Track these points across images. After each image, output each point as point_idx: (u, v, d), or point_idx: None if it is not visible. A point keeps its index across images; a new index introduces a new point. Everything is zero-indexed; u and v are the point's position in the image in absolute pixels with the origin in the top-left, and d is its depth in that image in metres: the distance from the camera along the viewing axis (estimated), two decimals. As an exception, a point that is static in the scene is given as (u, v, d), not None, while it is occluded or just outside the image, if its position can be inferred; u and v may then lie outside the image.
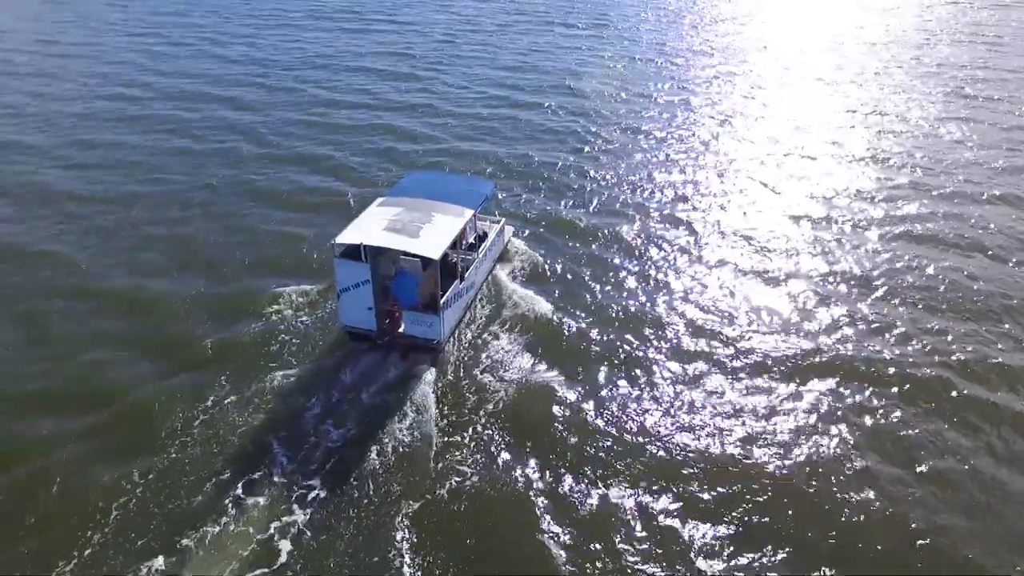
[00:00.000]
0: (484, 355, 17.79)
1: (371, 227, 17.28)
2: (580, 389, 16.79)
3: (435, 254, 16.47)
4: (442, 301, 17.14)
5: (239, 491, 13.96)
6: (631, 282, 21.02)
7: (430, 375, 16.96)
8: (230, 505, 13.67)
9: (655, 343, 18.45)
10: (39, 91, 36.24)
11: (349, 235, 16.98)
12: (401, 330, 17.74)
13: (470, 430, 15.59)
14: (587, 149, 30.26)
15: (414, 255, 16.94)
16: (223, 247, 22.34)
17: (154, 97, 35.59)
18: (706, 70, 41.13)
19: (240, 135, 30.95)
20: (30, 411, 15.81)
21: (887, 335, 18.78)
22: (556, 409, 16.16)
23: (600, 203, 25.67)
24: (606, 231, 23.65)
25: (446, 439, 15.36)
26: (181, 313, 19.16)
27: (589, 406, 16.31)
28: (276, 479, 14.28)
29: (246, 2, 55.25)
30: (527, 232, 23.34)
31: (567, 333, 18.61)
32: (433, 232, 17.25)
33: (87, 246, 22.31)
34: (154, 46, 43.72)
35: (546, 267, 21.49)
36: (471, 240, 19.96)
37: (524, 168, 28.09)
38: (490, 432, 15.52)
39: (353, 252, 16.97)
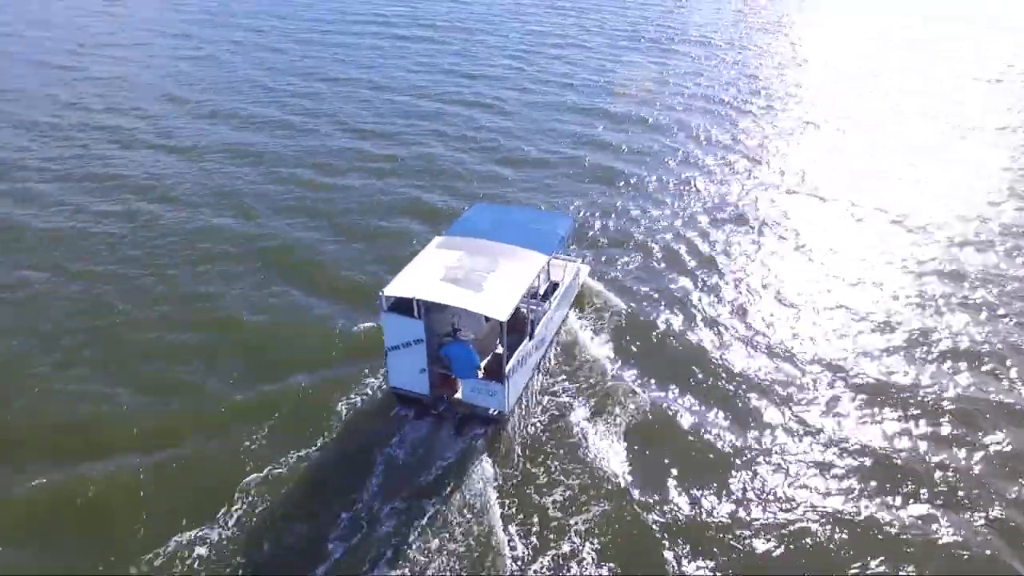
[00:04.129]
0: (554, 431, 14.99)
1: (426, 276, 14.67)
2: (660, 489, 13.74)
3: (502, 315, 13.72)
4: (507, 367, 14.40)
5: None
6: (724, 338, 17.88)
7: (489, 458, 14.25)
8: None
9: (761, 432, 15.24)
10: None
11: (399, 286, 14.41)
12: (458, 395, 15.12)
13: (536, 536, 12.79)
14: (666, 182, 27.08)
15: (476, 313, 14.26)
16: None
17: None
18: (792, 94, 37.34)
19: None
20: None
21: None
22: (636, 513, 13.22)
23: (688, 236, 22.53)
24: (700, 277, 20.55)
25: (511, 546, 12.61)
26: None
27: (676, 513, 13.26)
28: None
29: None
30: (610, 274, 20.44)
31: (651, 408, 15.57)
32: (500, 284, 14.51)
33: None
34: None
35: (627, 316, 18.50)
36: (544, 287, 17.15)
37: (602, 196, 25.14)
38: (563, 540, 12.69)
39: (404, 305, 14.40)
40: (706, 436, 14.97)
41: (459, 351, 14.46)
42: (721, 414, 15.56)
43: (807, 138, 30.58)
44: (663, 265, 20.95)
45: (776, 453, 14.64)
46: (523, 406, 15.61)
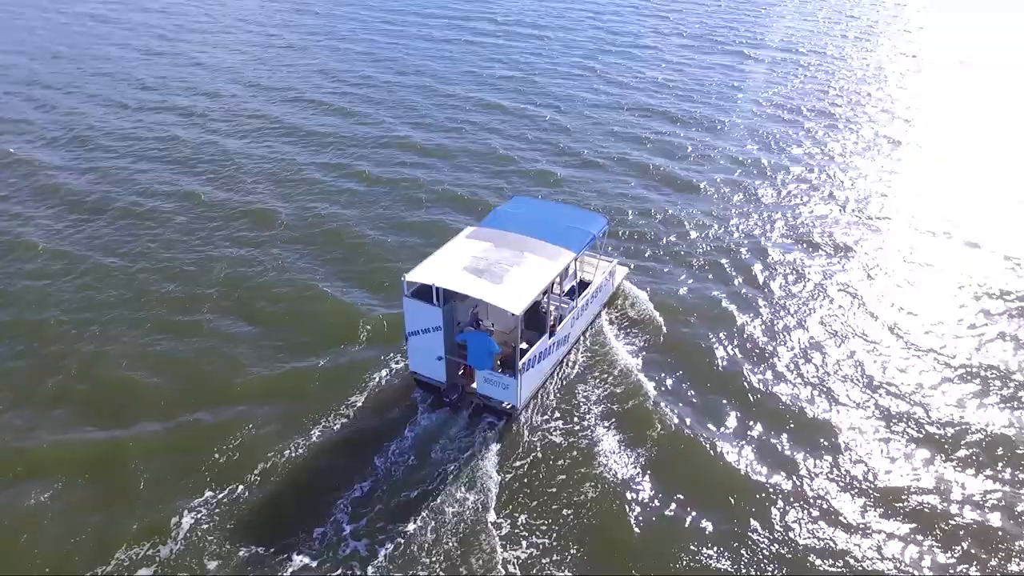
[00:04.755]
0: (566, 433, 14.80)
1: (449, 265, 14.77)
2: (663, 508, 13.27)
3: (516, 309, 13.67)
4: (521, 362, 14.32)
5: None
6: (761, 364, 16.98)
7: (496, 449, 14.22)
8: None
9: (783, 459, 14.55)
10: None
11: (421, 272, 14.57)
12: (475, 386, 15.14)
13: (531, 532, 12.69)
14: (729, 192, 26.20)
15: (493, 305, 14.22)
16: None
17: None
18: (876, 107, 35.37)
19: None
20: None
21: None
22: (630, 526, 12.88)
23: (737, 251, 21.77)
24: (743, 292, 19.78)
25: (503, 540, 12.55)
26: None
27: (673, 537, 12.74)
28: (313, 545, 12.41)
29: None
30: (653, 281, 19.95)
31: (671, 424, 15.04)
32: (520, 278, 14.44)
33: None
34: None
35: (662, 326, 17.96)
36: (571, 285, 16.94)
37: (656, 201, 24.62)
38: (554, 538, 12.55)
39: (425, 292, 14.54)
40: (726, 465, 14.14)
41: (476, 339, 14.48)
42: (748, 445, 14.63)
43: (891, 159, 28.12)
44: (709, 278, 20.21)
45: (802, 499, 13.42)
46: (538, 402, 15.49)
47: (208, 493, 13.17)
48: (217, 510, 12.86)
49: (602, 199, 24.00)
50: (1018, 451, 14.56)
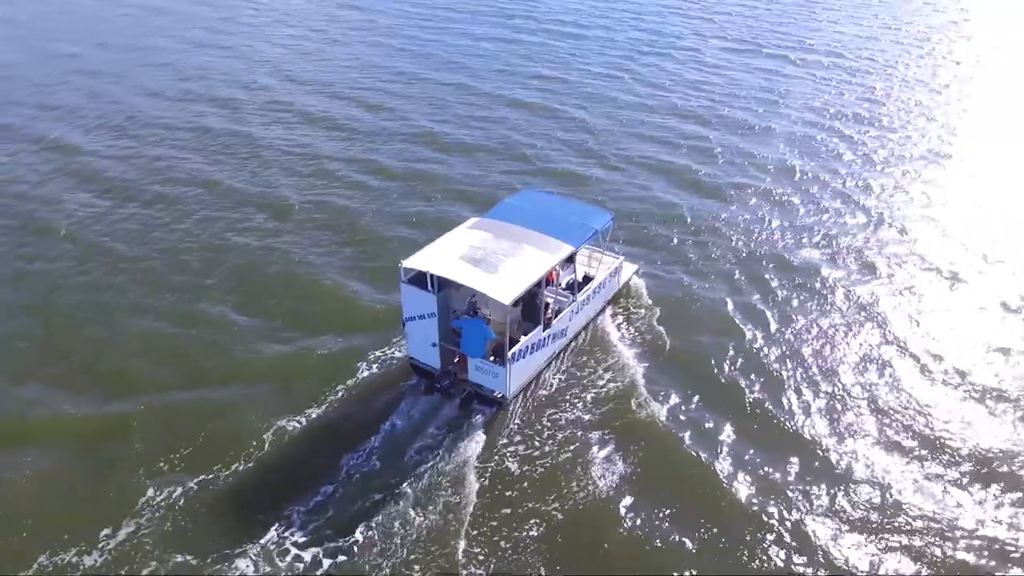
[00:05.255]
0: (553, 427, 14.81)
1: (446, 253, 14.94)
2: (650, 511, 13.06)
3: (506, 298, 13.75)
4: (511, 352, 14.40)
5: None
6: (770, 381, 16.31)
7: (480, 440, 14.33)
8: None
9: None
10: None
11: (418, 259, 14.76)
12: (468, 375, 15.29)
13: (506, 526, 12.76)
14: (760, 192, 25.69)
15: (484, 294, 14.32)
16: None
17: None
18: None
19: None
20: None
21: None
22: (602, 527, 12.79)
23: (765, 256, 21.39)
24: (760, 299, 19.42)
25: (478, 525, 12.66)
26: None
27: (646, 546, 12.44)
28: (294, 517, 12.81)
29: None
30: (665, 282, 19.67)
31: (663, 431, 14.80)
32: (515, 269, 14.52)
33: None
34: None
35: (669, 329, 17.64)
36: (574, 280, 16.92)
37: (679, 204, 24.31)
38: (528, 534, 12.60)
39: (421, 279, 14.75)
40: (717, 479, 13.77)
41: (471, 326, 14.61)
42: (742, 461, 14.17)
43: (935, 174, 26.43)
44: (723, 286, 19.63)
45: (793, 527, 12.83)
46: (530, 395, 15.54)
47: (189, 472, 13.54)
48: (196, 489, 13.20)
49: (620, 201, 23.71)
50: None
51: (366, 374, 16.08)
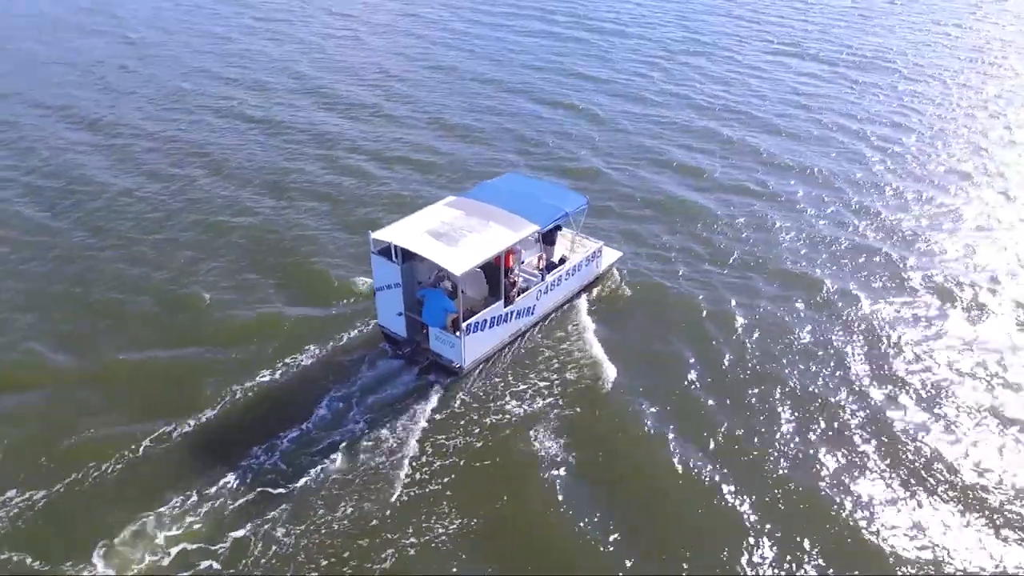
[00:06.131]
0: (505, 401, 15.25)
1: (414, 227, 15.68)
2: (580, 502, 13.11)
3: (458, 269, 14.38)
4: (466, 324, 15.01)
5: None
6: (735, 392, 15.72)
7: (433, 402, 15.00)
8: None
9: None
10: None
11: (385, 231, 15.57)
12: (430, 344, 15.97)
13: (439, 483, 13.39)
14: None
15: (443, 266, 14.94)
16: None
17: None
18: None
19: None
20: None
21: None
22: (536, 513, 12.99)
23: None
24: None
25: (413, 486, 13.32)
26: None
27: (584, 535, 12.54)
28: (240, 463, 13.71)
29: None
30: (654, 274, 19.61)
31: (619, 420, 14.87)
32: (474, 243, 15.13)
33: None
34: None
35: (646, 320, 17.72)
36: (537, 256, 17.39)
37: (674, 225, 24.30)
38: (456, 497, 13.14)
39: (389, 250, 15.52)
40: (665, 477, 13.62)
41: (433, 296, 15.30)
42: (696, 464, 13.85)
43: (971, 195, 24.40)
44: (713, 287, 19.05)
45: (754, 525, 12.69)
46: (490, 369, 16.06)
47: (159, 415, 14.58)
48: (165, 442, 14.13)
49: (621, 192, 23.96)
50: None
51: (345, 340, 16.90)
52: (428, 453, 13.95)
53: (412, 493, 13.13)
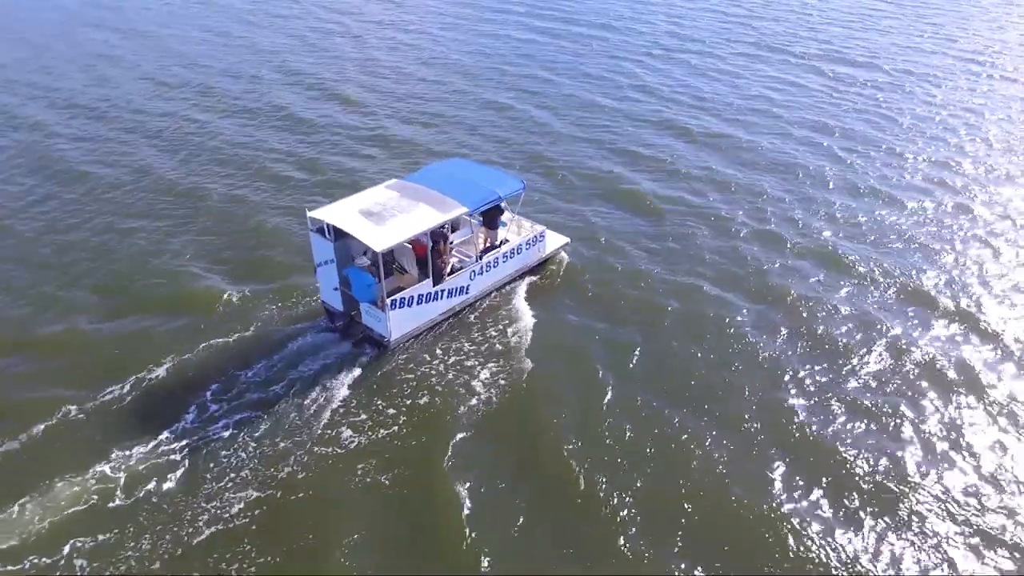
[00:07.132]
0: (426, 372, 16.01)
1: (348, 207, 16.54)
2: (485, 477, 13.59)
3: (378, 246, 15.19)
4: (390, 299, 15.80)
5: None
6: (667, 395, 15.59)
7: (357, 372, 15.84)
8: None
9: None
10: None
11: (321, 211, 16.46)
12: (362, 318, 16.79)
13: (355, 441, 14.24)
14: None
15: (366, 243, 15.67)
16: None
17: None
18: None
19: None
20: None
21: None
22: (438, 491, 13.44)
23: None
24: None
25: (328, 443, 14.16)
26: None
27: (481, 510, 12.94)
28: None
29: None
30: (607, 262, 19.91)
31: (537, 406, 15.21)
32: (400, 222, 15.94)
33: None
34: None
35: (587, 310, 18.13)
36: (492, 242, 18.12)
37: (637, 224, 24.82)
38: (369, 458, 13.97)
39: (323, 229, 16.37)
40: (580, 469, 13.71)
41: (355, 274, 16.14)
42: (602, 454, 14.10)
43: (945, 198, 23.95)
44: (667, 284, 19.21)
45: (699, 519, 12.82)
46: (419, 345, 16.77)
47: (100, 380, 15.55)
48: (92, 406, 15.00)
49: (570, 187, 24.54)
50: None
51: (293, 312, 17.85)
52: (339, 415, 14.81)
53: (323, 451, 14.05)
